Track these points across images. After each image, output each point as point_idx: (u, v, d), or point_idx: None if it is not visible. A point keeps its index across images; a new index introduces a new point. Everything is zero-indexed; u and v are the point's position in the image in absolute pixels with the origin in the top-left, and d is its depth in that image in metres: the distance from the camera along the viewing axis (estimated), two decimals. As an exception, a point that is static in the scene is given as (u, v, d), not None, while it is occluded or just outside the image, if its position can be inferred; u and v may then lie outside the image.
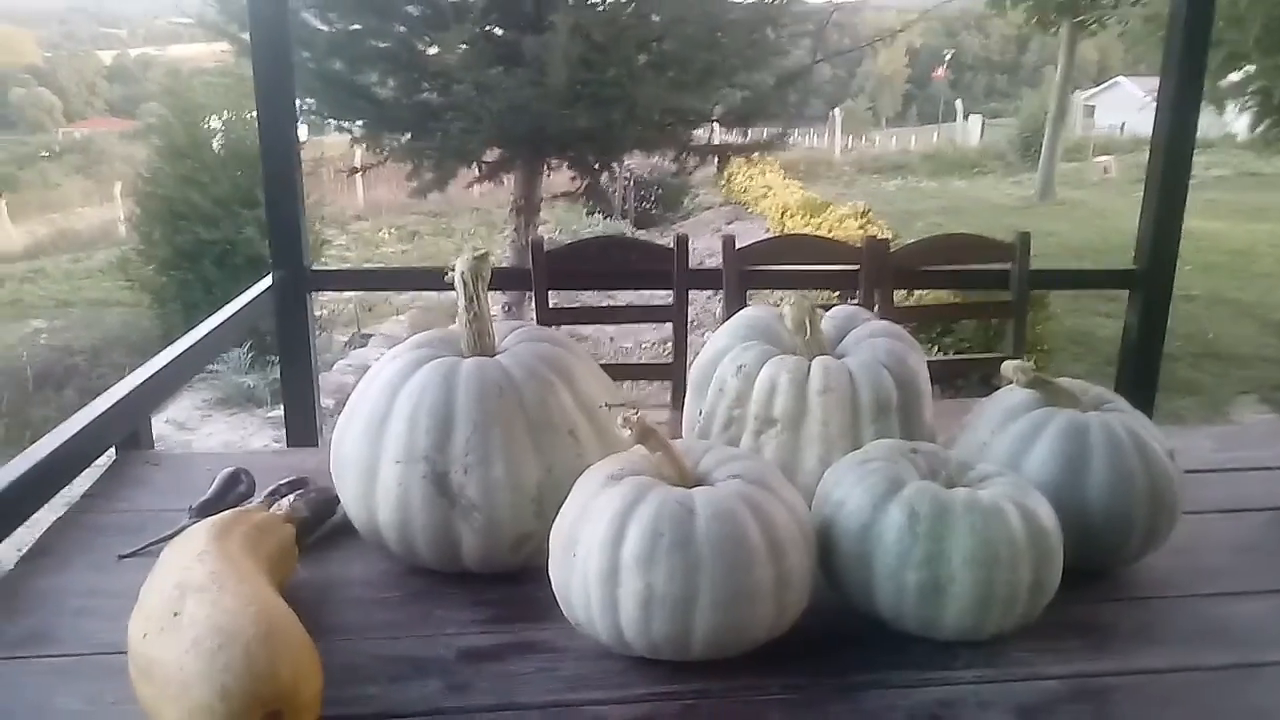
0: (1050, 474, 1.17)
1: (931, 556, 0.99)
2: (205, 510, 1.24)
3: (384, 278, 3.81)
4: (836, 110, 29.54)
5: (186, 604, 0.86)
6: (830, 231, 6.58)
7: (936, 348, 3.95)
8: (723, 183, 11.60)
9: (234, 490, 1.32)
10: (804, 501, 1.07)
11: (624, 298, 3.45)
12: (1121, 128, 28.16)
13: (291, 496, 1.22)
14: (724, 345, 1.38)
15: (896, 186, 18.54)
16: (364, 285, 5.27)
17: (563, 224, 11.01)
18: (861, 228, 6.32)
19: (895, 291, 2.85)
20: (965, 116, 30.40)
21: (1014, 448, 1.21)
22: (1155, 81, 2.91)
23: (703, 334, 4.88)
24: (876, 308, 2.79)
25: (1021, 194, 14.63)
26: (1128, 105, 28.72)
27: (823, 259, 2.83)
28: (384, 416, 1.13)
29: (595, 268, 2.79)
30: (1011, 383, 1.28)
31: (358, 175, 9.96)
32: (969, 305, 3.15)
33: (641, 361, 5.31)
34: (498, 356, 1.20)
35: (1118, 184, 16.22)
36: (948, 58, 51.08)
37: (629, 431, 1.01)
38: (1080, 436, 1.18)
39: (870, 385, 1.27)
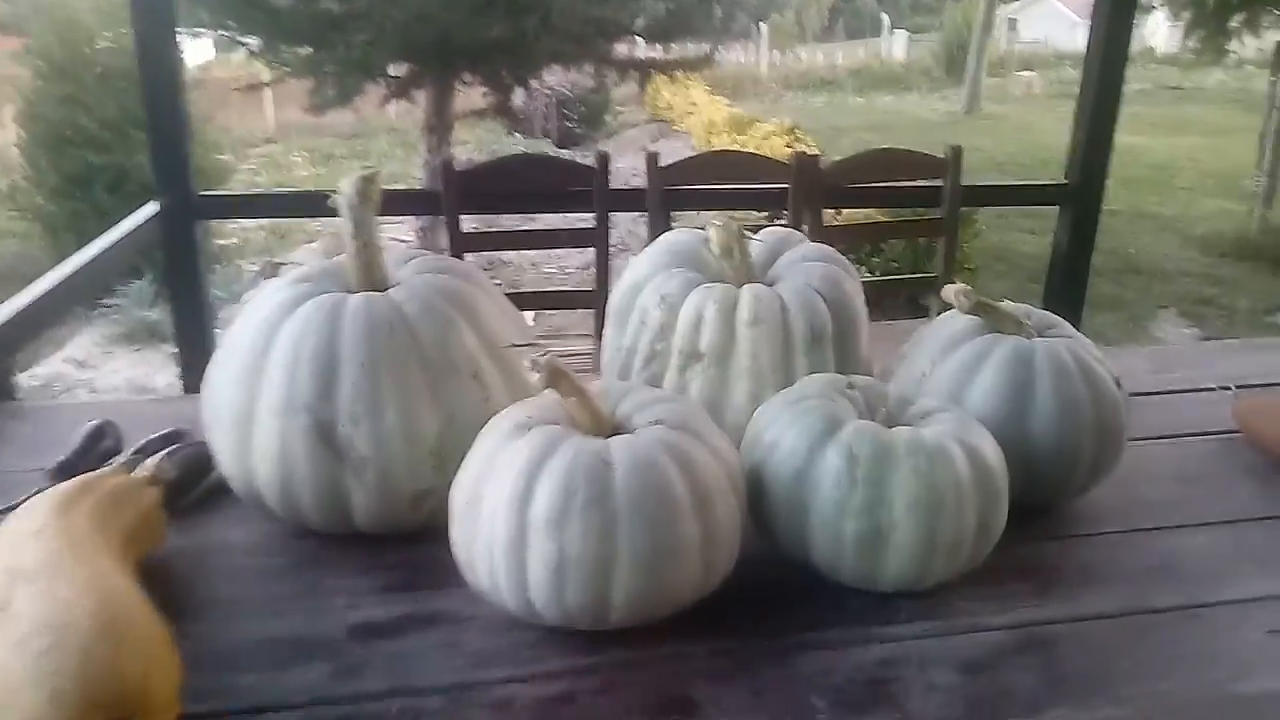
0: (994, 406, 1.09)
1: (872, 503, 0.91)
2: (64, 472, 1.10)
3: (276, 204, 3.55)
4: (762, 25, 29.06)
5: (16, 594, 0.74)
6: (757, 149, 6.44)
7: (865, 268, 3.89)
8: (648, 100, 11.32)
9: (98, 447, 1.17)
10: (733, 446, 0.97)
11: (546, 220, 3.27)
12: (1045, 41, 28.25)
13: (160, 454, 1.08)
14: (645, 273, 1.27)
15: (824, 102, 18.38)
16: (256, 213, 4.97)
17: (483, 144, 10.63)
18: (788, 145, 6.19)
19: (825, 210, 2.76)
20: (891, 31, 30.15)
21: (956, 379, 1.13)
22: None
23: (627, 258, 4.74)
24: (806, 227, 2.70)
25: (947, 109, 14.60)
26: (1051, 19, 28.87)
27: (751, 177, 2.72)
28: (259, 360, 1.00)
29: (512, 189, 2.64)
30: (952, 308, 1.19)
31: (268, 95, 9.43)
32: (900, 224, 3.08)
33: (565, 289, 5.15)
34: (389, 291, 1.07)
35: (1041, 99, 16.31)
36: (873, -30, 50.45)
37: (537, 375, 0.90)
38: (1025, 365, 1.11)
39: (803, 314, 1.17)
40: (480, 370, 1.04)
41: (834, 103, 18.01)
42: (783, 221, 2.72)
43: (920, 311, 2.89)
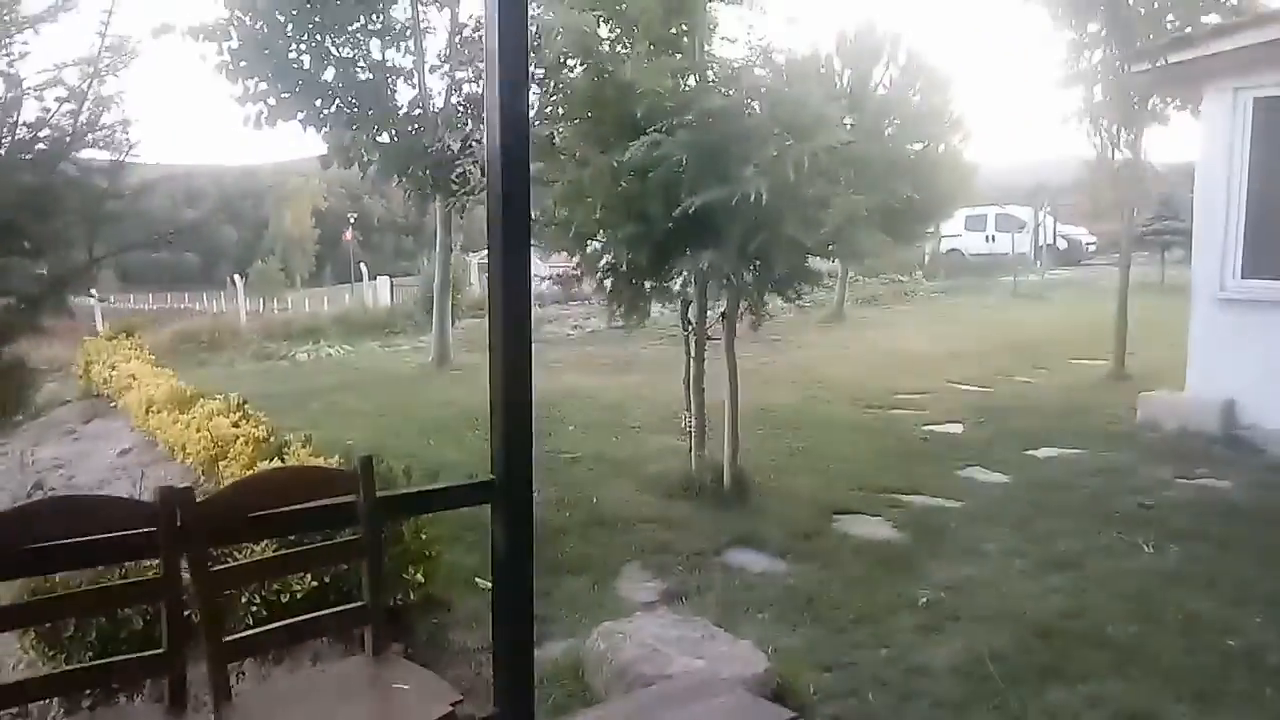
0: None
1: None
2: None
3: None
4: (238, 276, 28.07)
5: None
6: (198, 430, 5.72)
7: (290, 588, 3.26)
8: (79, 373, 9.91)
9: None
10: None
11: None
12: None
13: None
14: None
15: (307, 354, 17.88)
16: None
17: None
18: (235, 424, 5.57)
19: (215, 549, 2.24)
20: (373, 277, 30.87)
21: None
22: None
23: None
24: (186, 576, 2.16)
25: (420, 361, 14.82)
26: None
27: (96, 526, 2.12)
28: None
29: None
30: None
31: None
32: (310, 553, 2.63)
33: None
34: None
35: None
36: (353, 220, 52.34)
37: None
38: None
39: None
40: None
41: (317, 356, 17.59)
42: (155, 572, 2.16)
43: (351, 639, 2.45)
